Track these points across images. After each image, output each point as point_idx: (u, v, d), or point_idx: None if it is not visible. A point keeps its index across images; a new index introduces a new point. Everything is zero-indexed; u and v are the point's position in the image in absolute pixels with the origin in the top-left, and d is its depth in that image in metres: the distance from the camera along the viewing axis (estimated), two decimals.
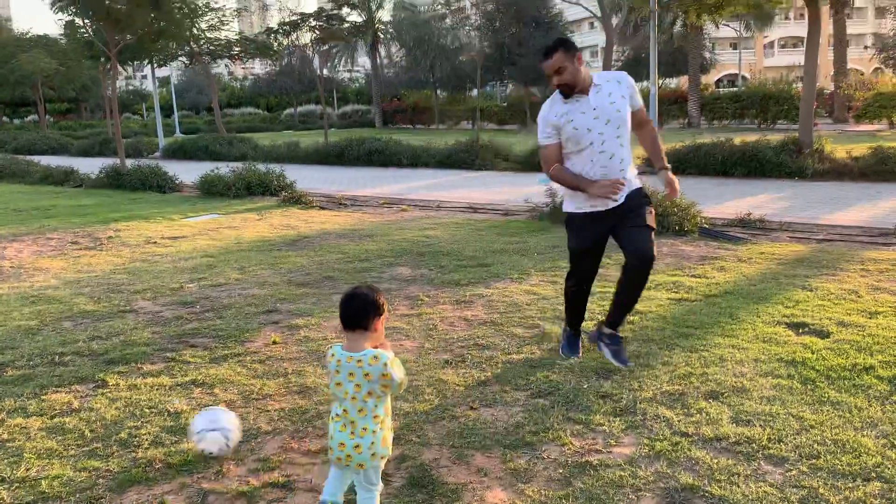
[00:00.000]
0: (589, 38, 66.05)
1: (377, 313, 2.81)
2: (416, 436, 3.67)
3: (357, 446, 2.72)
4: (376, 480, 2.85)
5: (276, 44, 38.76)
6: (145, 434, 3.78)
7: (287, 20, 34.20)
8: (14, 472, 3.43)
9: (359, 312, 2.78)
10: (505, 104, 44.42)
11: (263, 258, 8.14)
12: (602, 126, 4.27)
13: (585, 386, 4.22)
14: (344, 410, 2.74)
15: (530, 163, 17.45)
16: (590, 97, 4.28)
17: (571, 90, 4.25)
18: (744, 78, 52.93)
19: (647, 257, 4.24)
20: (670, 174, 4.46)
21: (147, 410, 4.08)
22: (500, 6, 41.96)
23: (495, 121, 42.53)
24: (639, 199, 4.41)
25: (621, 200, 4.37)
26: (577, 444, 3.54)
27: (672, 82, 46.34)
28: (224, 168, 15.27)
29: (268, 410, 4.05)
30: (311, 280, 7.02)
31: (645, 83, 42.12)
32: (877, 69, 43.79)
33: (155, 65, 31.27)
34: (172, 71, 46.58)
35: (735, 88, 42.24)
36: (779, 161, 14.14)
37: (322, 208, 12.41)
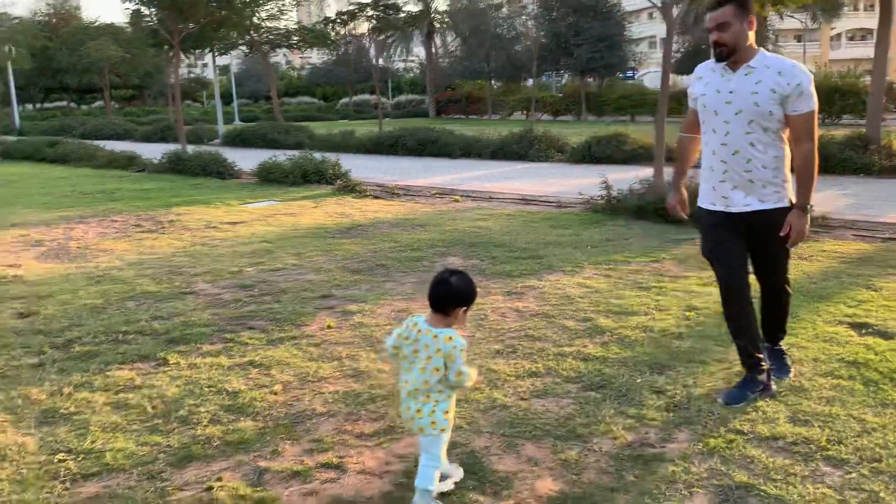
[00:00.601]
0: (648, 28, 64.89)
1: (458, 304, 2.97)
2: (466, 423, 3.70)
3: (419, 410, 2.92)
4: (436, 451, 2.93)
5: (333, 33, 39.17)
6: (204, 412, 3.90)
7: (344, 10, 34.51)
8: (80, 443, 3.57)
9: (442, 299, 2.97)
10: (560, 94, 44.01)
11: (319, 245, 8.27)
12: (731, 114, 3.68)
13: (639, 380, 4.19)
14: (414, 376, 2.94)
15: (585, 154, 17.27)
16: (736, 75, 3.68)
17: (727, 55, 3.63)
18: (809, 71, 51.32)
19: (770, 286, 4.05)
20: (800, 217, 3.66)
21: (206, 389, 4.20)
22: None
23: (550, 111, 42.15)
24: (773, 218, 3.73)
25: (747, 208, 3.79)
26: (629, 437, 3.52)
27: None
28: (281, 156, 15.53)
29: (322, 393, 4.13)
30: (364, 267, 7.11)
31: None
32: None
33: (216, 53, 31.92)
34: (232, 59, 47.46)
35: None
36: (844, 157, 13.68)
37: (375, 197, 12.52)
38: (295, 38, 35.40)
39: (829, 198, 10.90)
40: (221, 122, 29.03)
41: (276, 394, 4.12)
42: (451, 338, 2.89)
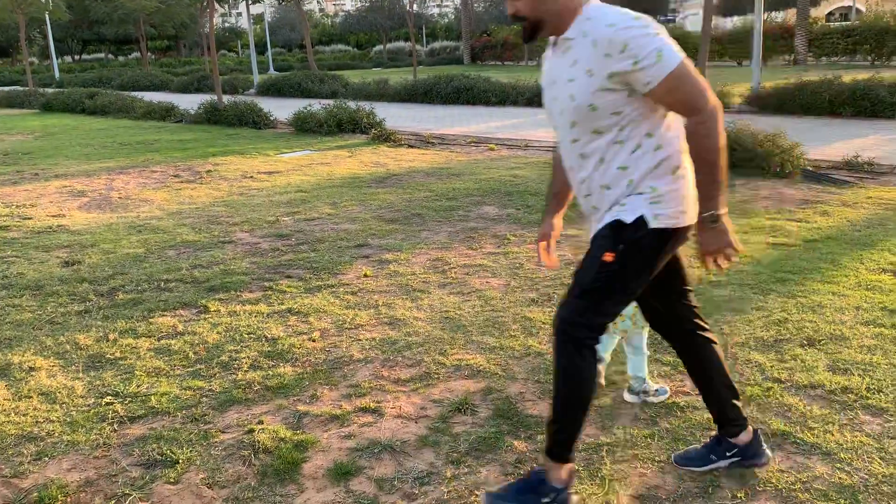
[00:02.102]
0: None
1: None
2: (501, 370, 3.73)
3: (621, 315, 3.06)
4: (640, 344, 3.38)
5: None
6: (244, 358, 3.99)
7: None
8: (126, 387, 3.69)
9: None
10: None
11: (354, 194, 8.29)
12: (557, 116, 2.54)
13: None
14: None
15: None
16: (555, 57, 2.49)
17: (530, 33, 2.46)
18: (858, 11, 49.25)
19: (556, 320, 2.52)
20: (706, 229, 2.52)
21: (246, 336, 4.29)
22: None
23: None
24: (603, 238, 2.50)
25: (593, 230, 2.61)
26: (663, 385, 3.52)
27: (778, 16, 43.64)
28: (316, 105, 15.49)
29: (359, 339, 4.19)
30: (399, 217, 7.12)
31: (749, 17, 39.84)
32: None
33: (249, 2, 31.71)
34: (266, 8, 47.13)
35: (847, 22, 39.40)
36: (893, 101, 13.20)
37: (410, 146, 12.47)
38: None
39: (876, 143, 10.56)
40: (256, 72, 28.97)
41: (314, 340, 4.19)
42: None
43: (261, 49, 49.77)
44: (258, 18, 56.22)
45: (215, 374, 3.82)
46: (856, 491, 2.67)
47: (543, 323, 4.32)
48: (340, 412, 3.38)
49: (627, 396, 3.41)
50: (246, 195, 8.47)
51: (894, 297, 4.48)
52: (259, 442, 3.14)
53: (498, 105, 19.27)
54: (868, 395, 3.34)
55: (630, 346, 3.41)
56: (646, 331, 3.37)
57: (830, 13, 58.16)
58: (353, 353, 4.02)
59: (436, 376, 3.69)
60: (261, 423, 3.31)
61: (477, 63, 47.24)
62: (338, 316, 4.55)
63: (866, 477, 2.75)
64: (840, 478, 2.75)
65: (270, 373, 3.80)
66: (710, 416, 2.92)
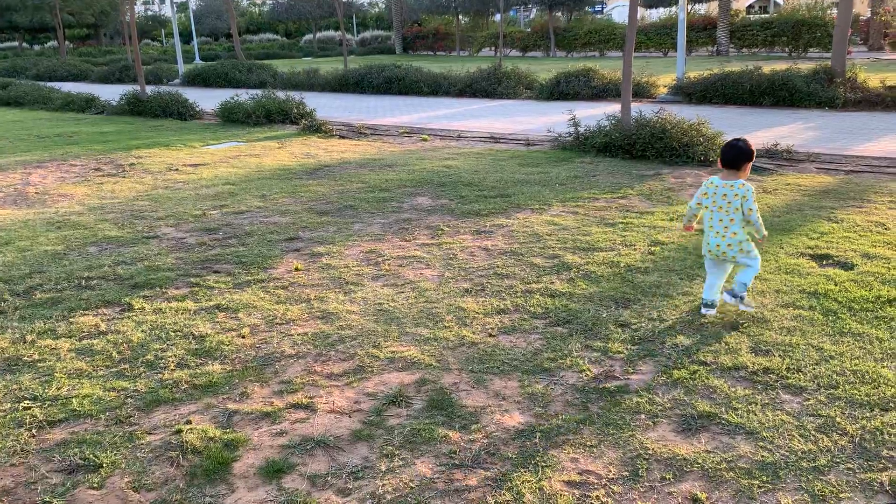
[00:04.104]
0: None
1: (748, 160, 4.13)
2: (436, 361, 3.73)
3: (730, 245, 4.10)
4: (754, 261, 4.15)
5: None
6: (171, 356, 3.87)
7: None
8: (46, 390, 3.54)
9: (736, 156, 4.12)
10: (528, 30, 43.32)
11: (284, 186, 8.14)
12: None
13: (604, 315, 4.24)
14: (718, 221, 4.12)
15: (554, 91, 17.12)
16: None
17: None
18: (776, 4, 51.03)
19: None
20: None
21: (172, 333, 4.16)
22: None
23: (518, 47, 41.56)
24: None
25: None
26: (594, 370, 3.58)
27: (701, 8, 44.84)
28: (244, 95, 15.16)
29: (291, 335, 4.12)
30: (331, 209, 7.03)
31: (673, 9, 40.80)
32: None
33: None
34: None
35: (766, 15, 40.80)
36: (809, 90, 13.74)
37: (342, 137, 12.33)
38: None
39: (794, 131, 10.98)
40: (181, 62, 28.12)
41: (243, 337, 4.10)
42: (743, 184, 4.07)
43: (186, 38, 48.36)
44: (182, 6, 54.55)
45: (140, 374, 3.69)
46: (777, 468, 2.77)
47: (477, 313, 4.34)
48: (272, 409, 3.32)
49: (726, 297, 4.18)
50: (171, 189, 8.22)
51: (812, 280, 4.67)
52: (187, 442, 3.06)
53: (430, 95, 19.24)
54: (788, 374, 3.47)
55: (743, 264, 4.16)
56: (755, 252, 4.16)
57: (750, 6, 60.08)
58: (284, 348, 3.95)
59: (369, 369, 3.66)
60: (189, 422, 3.22)
61: (409, 53, 47.06)
62: (268, 311, 4.47)
63: (787, 454, 2.85)
64: (763, 456, 2.84)
65: (198, 371, 3.70)
66: (639, 399, 2.97)
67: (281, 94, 14.87)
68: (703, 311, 4.20)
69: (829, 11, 30.67)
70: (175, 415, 3.31)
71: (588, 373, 3.56)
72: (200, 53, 42.33)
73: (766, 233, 4.25)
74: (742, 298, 4.18)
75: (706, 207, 4.19)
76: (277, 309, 4.49)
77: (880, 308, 4.19)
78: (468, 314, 4.33)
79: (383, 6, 62.96)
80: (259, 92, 15.29)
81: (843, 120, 12.06)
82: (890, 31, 29.92)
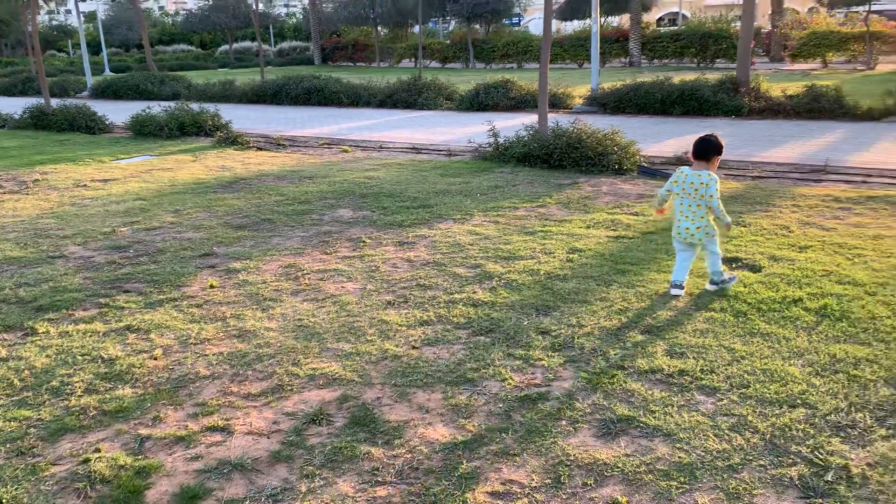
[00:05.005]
0: None
1: (717, 153, 4.56)
2: (358, 376, 3.67)
3: (698, 228, 4.56)
4: (715, 248, 4.60)
5: None
6: (78, 381, 3.68)
7: None
8: None
9: (706, 150, 4.53)
10: (448, 41, 43.67)
11: (199, 201, 7.91)
12: None
13: (525, 322, 4.27)
14: (687, 206, 4.55)
15: (473, 102, 17.27)
16: None
17: None
18: (684, 17, 53.10)
19: None
20: None
21: (79, 358, 3.97)
22: None
23: (438, 58, 41.83)
24: None
25: None
26: (516, 378, 3.59)
27: (614, 21, 46.21)
28: (156, 108, 14.71)
29: (206, 355, 3.98)
30: (248, 223, 6.87)
31: (587, 22, 41.83)
32: (812, 8, 44.43)
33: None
34: (99, 6, 44.16)
35: (675, 27, 42.37)
36: (716, 100, 14.32)
37: (259, 149, 12.10)
38: None
39: None
40: (89, 73, 27.05)
41: (156, 358, 3.94)
42: (709, 174, 4.50)
43: (95, 49, 46.64)
44: (91, 16, 52.61)
45: (45, 402, 3.50)
46: (694, 468, 2.83)
47: (400, 325, 4.30)
48: (186, 433, 3.19)
49: (709, 287, 4.63)
50: (78, 205, 7.87)
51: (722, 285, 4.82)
52: (96, 472, 2.91)
53: (351, 106, 19.12)
54: (702, 376, 3.56)
55: (707, 251, 4.60)
56: (717, 238, 4.61)
57: (661, 18, 62.30)
58: (199, 369, 3.81)
59: (289, 388, 3.57)
60: (98, 451, 3.07)
61: (328, 64, 46.71)
62: (182, 331, 4.31)
63: (703, 454, 2.92)
64: (680, 457, 2.91)
65: (108, 396, 3.53)
66: (560, 405, 3.00)
67: (195, 106, 14.49)
68: (672, 291, 4.60)
69: (733, 24, 32.05)
70: (83, 443, 3.14)
71: (510, 381, 3.57)
72: (110, 65, 40.92)
73: (729, 220, 4.69)
74: (723, 281, 4.64)
75: (677, 195, 4.60)
76: (191, 328, 4.34)
77: (786, 308, 4.36)
78: (391, 327, 4.28)
79: (301, 17, 62.33)
80: (172, 104, 14.86)
81: (748, 128, 12.61)
82: (789, 43, 31.53)
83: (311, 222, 6.83)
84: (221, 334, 4.25)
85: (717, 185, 4.51)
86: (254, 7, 27.33)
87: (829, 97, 13.64)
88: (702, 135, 4.63)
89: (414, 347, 4.00)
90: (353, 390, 3.53)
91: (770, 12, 36.10)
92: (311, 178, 9.10)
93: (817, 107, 13.62)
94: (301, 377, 3.68)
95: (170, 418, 3.33)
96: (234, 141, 12.59)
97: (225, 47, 55.47)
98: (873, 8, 28.75)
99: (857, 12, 30.73)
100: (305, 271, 5.36)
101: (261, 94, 20.74)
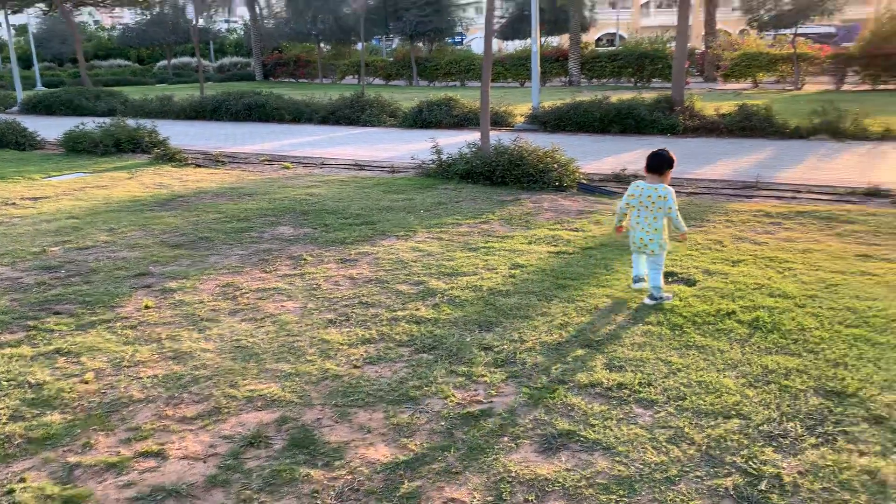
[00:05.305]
0: None
1: (669, 167, 4.77)
2: (297, 397, 3.61)
3: (651, 239, 4.75)
4: (660, 263, 4.80)
5: None
6: (2, 408, 3.53)
7: None
8: None
9: (660, 164, 4.75)
10: (391, 59, 43.80)
11: (135, 219, 7.71)
12: None
13: (468, 339, 4.27)
14: (644, 218, 4.75)
15: (417, 119, 17.33)
16: None
17: None
18: (622, 37, 54.49)
19: None
20: None
21: (4, 383, 3.80)
22: None
23: (382, 76, 41.91)
24: None
25: None
26: (459, 395, 3.59)
27: (554, 41, 47.08)
28: (91, 124, 14.31)
29: (140, 378, 3.86)
30: (186, 241, 6.72)
31: (528, 41, 42.49)
32: (743, 30, 46.09)
33: (8, 11, 28.68)
34: (30, 19, 42.86)
35: (613, 47, 43.40)
36: (652, 118, 14.68)
37: (198, 166, 11.88)
38: None
39: (640, 157, 11.66)
40: (20, 88, 26.20)
41: (87, 382, 3.80)
42: (665, 188, 4.72)
43: (26, 63, 45.22)
44: (21, 29, 51.01)
45: None
46: (633, 481, 2.87)
47: (341, 344, 4.25)
48: (118, 459, 3.08)
49: (647, 301, 4.76)
50: (6, 224, 7.58)
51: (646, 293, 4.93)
52: (20, 503, 2.78)
53: (293, 122, 18.97)
54: (640, 389, 3.62)
55: (653, 264, 4.78)
56: (664, 252, 4.81)
57: (599, 39, 63.75)
58: (132, 392, 3.69)
59: (226, 410, 3.49)
60: (23, 480, 2.94)
61: (269, 80, 46.31)
62: (115, 353, 4.17)
63: (641, 467, 2.96)
64: (619, 470, 2.94)
65: (35, 423, 3.39)
66: (502, 421, 3.00)
67: (132, 122, 14.16)
68: (634, 285, 4.95)
69: (668, 45, 33.04)
70: (7, 473, 3.00)
71: (453, 398, 3.56)
72: (43, 79, 39.73)
73: (686, 229, 4.98)
74: (661, 298, 4.78)
75: (634, 207, 4.83)
76: (125, 350, 4.21)
77: (720, 321, 4.48)
78: (332, 346, 4.23)
79: (242, 33, 61.69)
80: (108, 120, 14.50)
81: (683, 145, 12.96)
82: (722, 64, 32.62)
83: (250, 240, 6.73)
84: (156, 356, 4.13)
85: (674, 196, 4.75)
86: (193, 22, 26.93)
87: (759, 116, 14.15)
88: (654, 149, 4.86)
89: (355, 366, 3.96)
90: (293, 411, 3.47)
91: (703, 34, 37.32)
92: (251, 195, 8.97)
93: (749, 125, 14.10)
94: (239, 399, 3.60)
95: (101, 444, 3.22)
96: (171, 158, 12.34)
97: (163, 62, 54.50)
98: (800, 31, 30.01)
99: (785, 35, 31.99)
100: (244, 290, 5.26)
101: (200, 110, 20.41)
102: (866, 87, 26.74)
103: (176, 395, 3.67)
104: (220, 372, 3.90)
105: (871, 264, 5.65)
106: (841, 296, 4.89)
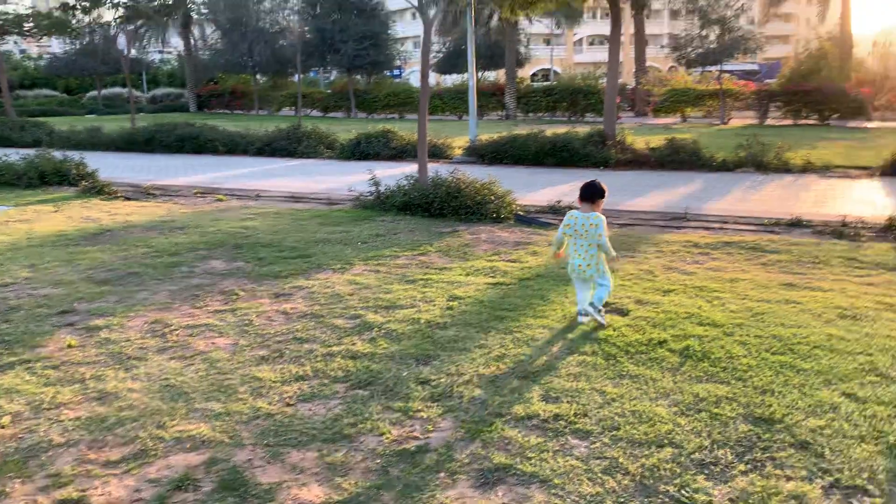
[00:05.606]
0: (412, 28, 66.52)
1: (601, 196, 5.07)
2: (228, 437, 3.50)
3: (588, 265, 5.03)
4: (606, 281, 5.11)
5: (74, 20, 35.56)
6: None
7: None
8: None
9: (592, 193, 5.06)
10: (329, 91, 43.82)
11: (59, 254, 7.43)
12: None
13: (405, 373, 4.23)
14: (580, 246, 5.03)
15: (354, 151, 17.32)
16: None
17: None
18: (556, 72, 55.86)
19: None
20: None
21: None
22: None
23: (320, 107, 41.86)
24: None
25: None
26: (395, 432, 3.54)
27: (490, 75, 47.92)
28: (14, 155, 13.83)
29: (61, 420, 3.69)
30: (113, 277, 6.50)
31: (465, 75, 43.18)
32: (672, 67, 47.85)
33: None
34: None
35: (548, 83, 44.43)
36: (586, 152, 15.03)
37: (128, 199, 11.57)
38: (28, 24, 31.68)
39: (575, 188, 11.88)
40: None
41: (3, 427, 3.61)
42: (597, 216, 5.01)
43: None
44: None
45: None
46: None
47: (274, 381, 4.16)
48: None
49: (589, 309, 4.97)
50: None
51: (593, 324, 4.99)
52: None
53: (227, 154, 18.72)
54: (576, 419, 3.64)
55: (598, 284, 5.07)
56: (608, 274, 5.15)
57: (534, 74, 65.20)
58: (52, 436, 3.52)
59: (153, 453, 3.35)
60: None
61: (204, 111, 45.71)
62: (34, 395, 3.98)
63: (577, 499, 2.96)
64: (555, 503, 2.93)
65: None
66: (438, 457, 2.96)
67: (58, 154, 13.74)
68: (580, 319, 5.08)
69: (601, 81, 33.99)
70: None
71: (388, 435, 3.51)
72: None
73: (615, 254, 5.22)
74: (600, 311, 5.02)
75: (570, 236, 5.10)
76: (46, 392, 4.01)
77: (652, 350, 4.55)
78: (264, 384, 4.13)
79: (176, 64, 60.83)
80: (32, 152, 14.03)
81: (616, 178, 13.28)
82: (652, 99, 33.72)
83: (180, 275, 6.56)
84: (80, 397, 3.96)
85: (604, 224, 5.02)
86: (124, 53, 26.43)
87: (687, 150, 14.65)
88: (587, 180, 5.14)
89: (288, 404, 3.87)
90: (223, 452, 3.36)
91: (634, 70, 38.56)
92: (183, 229, 8.77)
93: (678, 158, 14.57)
94: (166, 440, 3.47)
95: (17, 492, 3.04)
96: (100, 190, 12.00)
97: (93, 93, 53.24)
98: (725, 68, 31.30)
99: (711, 71, 33.32)
100: (173, 327, 5.11)
101: (131, 141, 19.97)
102: (788, 121, 28.03)
103: (100, 437, 3.51)
104: (147, 412, 3.76)
105: (795, 293, 5.86)
106: (767, 324, 5.04)
